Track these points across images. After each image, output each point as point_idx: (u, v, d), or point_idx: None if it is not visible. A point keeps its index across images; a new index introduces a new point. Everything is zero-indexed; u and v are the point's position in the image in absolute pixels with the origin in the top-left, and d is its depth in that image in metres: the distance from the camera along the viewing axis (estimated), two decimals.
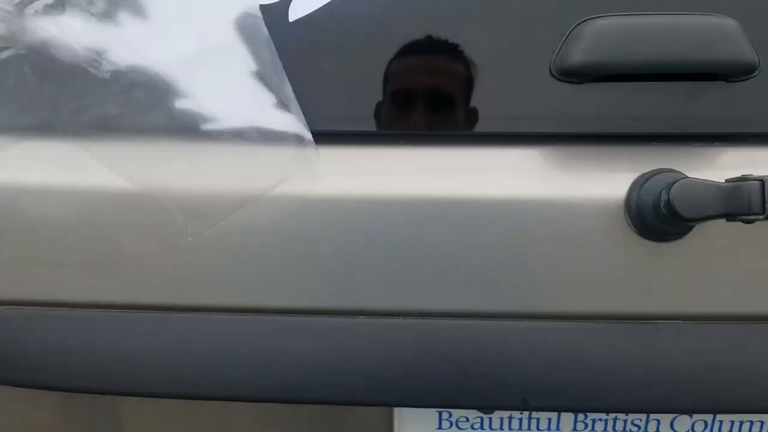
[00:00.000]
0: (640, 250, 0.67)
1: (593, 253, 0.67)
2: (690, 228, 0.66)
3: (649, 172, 0.66)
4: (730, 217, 0.60)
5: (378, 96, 0.69)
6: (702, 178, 0.63)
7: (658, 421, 0.79)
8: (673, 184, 0.62)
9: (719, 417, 0.79)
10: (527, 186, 0.68)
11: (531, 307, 0.68)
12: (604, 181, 0.68)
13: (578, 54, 0.66)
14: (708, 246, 0.67)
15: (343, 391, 0.68)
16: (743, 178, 0.60)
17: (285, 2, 0.70)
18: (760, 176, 0.59)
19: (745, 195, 0.59)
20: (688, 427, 0.79)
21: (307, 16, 0.69)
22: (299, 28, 0.69)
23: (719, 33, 0.66)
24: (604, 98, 0.68)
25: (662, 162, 0.68)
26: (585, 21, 0.67)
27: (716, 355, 0.68)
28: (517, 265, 0.67)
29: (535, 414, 0.79)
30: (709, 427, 0.79)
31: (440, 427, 0.80)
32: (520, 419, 0.79)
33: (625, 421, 0.79)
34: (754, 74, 0.67)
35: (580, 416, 0.79)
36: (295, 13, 0.70)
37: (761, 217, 0.59)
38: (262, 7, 0.69)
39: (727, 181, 0.61)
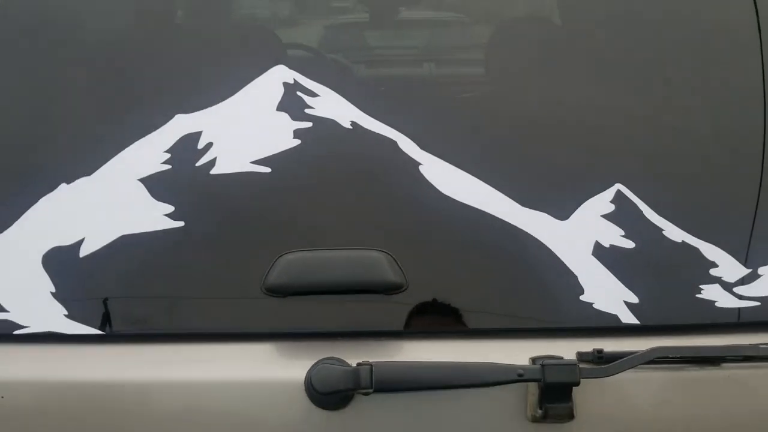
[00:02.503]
0: (317, 418, 0.89)
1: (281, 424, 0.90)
2: (348, 399, 0.88)
3: (320, 360, 0.90)
4: (352, 390, 0.83)
5: None
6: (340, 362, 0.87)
7: None
8: (315, 366, 0.86)
9: None
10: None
11: None
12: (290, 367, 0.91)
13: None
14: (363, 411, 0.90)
15: None
16: (362, 363, 0.84)
17: None
18: (372, 362, 0.83)
19: (362, 375, 0.83)
20: None
21: None
22: None
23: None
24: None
25: (335, 352, 0.91)
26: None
27: None
28: None
29: None
30: None
31: None
32: None
33: None
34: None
35: None
36: None
37: (371, 391, 0.82)
38: None
39: (357, 364, 0.85)
